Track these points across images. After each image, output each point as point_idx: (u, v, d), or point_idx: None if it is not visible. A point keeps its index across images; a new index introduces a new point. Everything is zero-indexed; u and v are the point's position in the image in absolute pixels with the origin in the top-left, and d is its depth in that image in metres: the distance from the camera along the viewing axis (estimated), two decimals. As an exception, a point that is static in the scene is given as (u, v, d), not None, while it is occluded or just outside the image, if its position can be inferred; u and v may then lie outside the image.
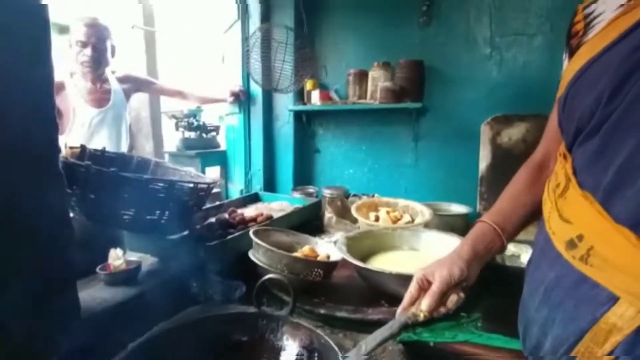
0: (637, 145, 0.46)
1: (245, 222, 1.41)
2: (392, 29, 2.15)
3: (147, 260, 1.27)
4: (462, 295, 0.74)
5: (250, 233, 1.18)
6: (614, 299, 0.47)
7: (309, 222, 1.84)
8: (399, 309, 0.73)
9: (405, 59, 2.02)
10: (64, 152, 1.27)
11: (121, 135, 1.95)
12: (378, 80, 2.02)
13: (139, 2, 2.97)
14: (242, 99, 2.24)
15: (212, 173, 2.79)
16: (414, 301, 0.72)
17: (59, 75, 1.80)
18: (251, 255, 1.16)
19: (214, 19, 2.33)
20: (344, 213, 1.84)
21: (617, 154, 0.48)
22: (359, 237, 1.36)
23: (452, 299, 0.73)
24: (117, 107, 1.92)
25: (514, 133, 1.86)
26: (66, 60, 1.97)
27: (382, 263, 1.24)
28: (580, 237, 0.52)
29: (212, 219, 1.50)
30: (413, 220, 1.66)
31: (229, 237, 1.24)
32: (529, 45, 1.99)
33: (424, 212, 1.66)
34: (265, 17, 2.12)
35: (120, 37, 3.03)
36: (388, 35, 2.16)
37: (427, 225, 1.56)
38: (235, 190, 2.50)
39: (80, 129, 1.84)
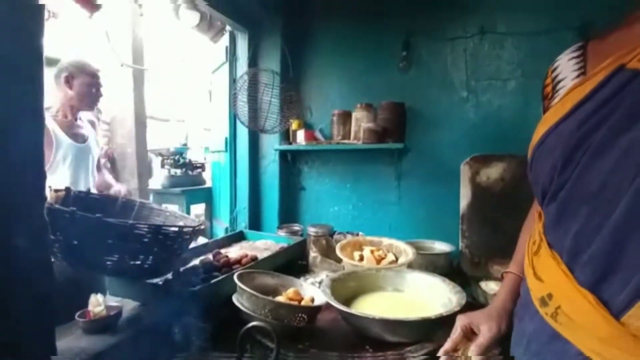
0: (588, 213, 0.51)
1: (229, 265, 1.41)
2: (375, 72, 2.29)
3: (129, 305, 1.26)
4: (498, 350, 0.74)
5: (235, 277, 1.19)
6: (583, 356, 0.50)
7: (294, 261, 1.85)
8: (441, 352, 0.75)
9: (387, 101, 2.14)
10: (48, 195, 1.28)
11: (91, 172, 1.98)
12: (361, 121, 2.12)
13: (130, 40, 3.07)
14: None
15: (198, 210, 2.80)
16: (456, 347, 0.74)
17: None
18: (235, 300, 1.17)
19: (203, 59, 2.41)
20: (329, 252, 1.86)
21: (573, 220, 0.53)
22: (343, 278, 1.38)
23: (495, 352, 0.74)
24: (92, 145, 1.97)
25: (492, 172, 1.95)
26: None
27: (367, 305, 1.26)
28: (550, 296, 0.55)
29: (197, 261, 1.50)
30: (397, 259, 1.69)
31: (213, 281, 1.25)
32: (503, 90, 2.13)
33: (407, 251, 1.70)
34: (253, 61, 2.23)
35: (109, 75, 3.10)
36: (371, 78, 2.29)
37: (410, 265, 1.59)
38: (221, 228, 2.49)
39: (62, 162, 1.85)
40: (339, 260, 1.74)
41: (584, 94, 0.55)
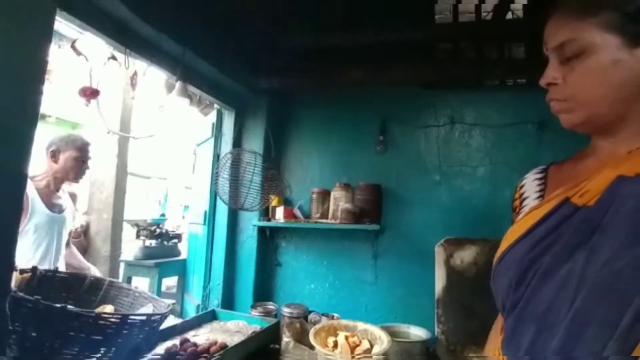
0: (535, 333, 0.55)
1: (197, 355, 1.36)
2: (353, 153, 2.44)
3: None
4: None
5: (201, 373, 1.15)
6: None
7: (266, 345, 1.79)
8: None
9: (364, 182, 2.26)
10: (13, 278, 1.25)
11: (62, 242, 1.95)
12: (339, 201, 2.21)
13: (120, 109, 3.20)
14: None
15: (170, 282, 2.72)
16: None
17: None
18: (199, 399, 1.11)
19: (190, 128, 2.53)
20: (303, 336, 1.82)
21: (524, 338, 0.57)
22: (315, 372, 1.35)
23: None
24: (68, 216, 1.98)
25: (465, 255, 2.02)
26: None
27: (338, 404, 1.21)
28: None
29: (162, 349, 1.45)
30: (372, 347, 1.66)
31: (177, 375, 1.20)
32: (473, 175, 2.29)
33: (382, 339, 1.67)
34: (237, 139, 2.35)
35: (95, 141, 3.17)
36: (349, 158, 2.44)
37: (385, 354, 1.57)
38: (192, 305, 2.42)
39: (34, 229, 1.82)
40: (313, 347, 1.70)
41: (537, 219, 0.60)
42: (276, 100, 2.49)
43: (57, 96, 3.35)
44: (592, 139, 0.65)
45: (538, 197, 0.68)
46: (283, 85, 2.30)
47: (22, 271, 1.31)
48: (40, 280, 1.39)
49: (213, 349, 1.45)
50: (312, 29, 2.11)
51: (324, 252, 2.36)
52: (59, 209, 1.95)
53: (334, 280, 2.32)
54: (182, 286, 2.55)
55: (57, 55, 1.61)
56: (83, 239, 3.02)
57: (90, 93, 1.60)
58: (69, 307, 1.06)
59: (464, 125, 2.35)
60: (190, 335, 1.72)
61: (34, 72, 0.85)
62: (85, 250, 2.96)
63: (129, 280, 2.62)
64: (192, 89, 1.93)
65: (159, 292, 2.43)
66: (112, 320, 1.12)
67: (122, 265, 2.55)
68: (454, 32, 2.29)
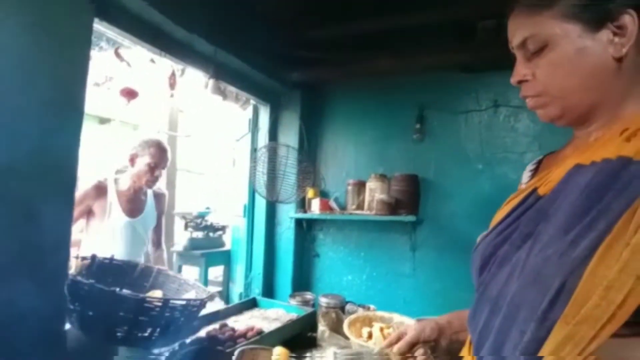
0: (488, 314, 0.59)
1: (234, 339, 1.47)
2: (389, 143, 2.42)
3: (135, 376, 1.33)
4: (428, 352, 0.84)
5: (235, 355, 1.24)
6: None
7: (303, 333, 1.87)
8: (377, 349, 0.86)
9: (400, 173, 2.23)
10: (74, 264, 1.43)
11: (144, 243, 2.09)
12: (375, 192, 2.21)
13: (168, 109, 3.45)
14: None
15: (217, 272, 2.91)
16: (391, 345, 0.88)
17: (101, 175, 2.02)
18: (234, 379, 1.20)
19: (229, 127, 2.66)
20: (338, 326, 1.87)
21: (480, 318, 0.61)
22: None
23: (420, 352, 0.84)
24: (147, 218, 2.10)
25: (509, 247, 1.94)
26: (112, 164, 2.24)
27: (367, 392, 1.25)
28: None
29: (204, 332, 1.57)
30: (407, 339, 1.67)
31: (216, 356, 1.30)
32: (520, 162, 2.17)
33: (418, 331, 1.68)
34: (273, 132, 2.44)
35: (142, 135, 3.45)
36: (385, 148, 2.42)
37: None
38: (236, 292, 2.57)
39: (108, 230, 1.96)
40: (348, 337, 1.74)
41: (510, 208, 0.64)
42: (309, 93, 2.53)
43: (119, 100, 3.67)
44: (573, 129, 0.67)
45: (527, 181, 0.72)
46: (315, 78, 2.34)
47: (82, 258, 1.49)
48: (98, 267, 1.57)
49: (250, 333, 1.55)
50: (341, 17, 2.10)
51: (361, 244, 2.39)
52: (139, 212, 2.05)
53: (371, 272, 2.34)
54: (227, 275, 2.72)
55: (114, 62, 1.74)
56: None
57: (129, 93, 1.75)
58: (118, 290, 1.19)
59: (510, 109, 2.23)
60: (232, 321, 1.84)
61: (76, 75, 0.96)
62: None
63: (180, 268, 2.83)
64: (226, 86, 2.03)
65: (206, 280, 2.61)
66: (155, 303, 1.24)
67: (174, 256, 2.77)
68: (498, 5, 2.16)
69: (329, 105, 2.59)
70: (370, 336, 1.71)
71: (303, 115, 2.46)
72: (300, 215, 2.36)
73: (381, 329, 1.73)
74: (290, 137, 2.41)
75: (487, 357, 0.56)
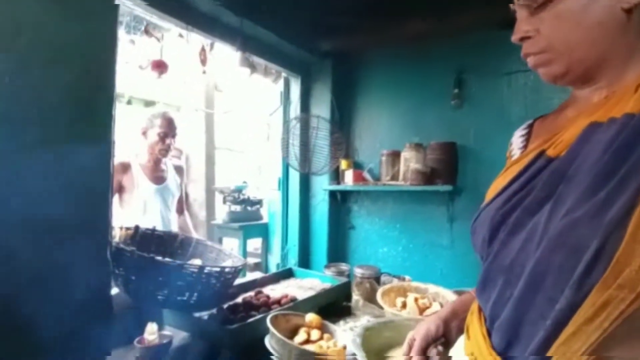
0: (502, 285, 0.57)
1: (268, 305, 1.52)
2: (425, 110, 2.31)
3: (180, 336, 1.42)
4: (441, 349, 0.81)
5: (268, 318, 1.28)
6: None
7: (338, 302, 1.90)
8: None
9: (436, 141, 2.14)
10: (118, 233, 1.53)
11: (169, 210, 2.25)
12: (410, 162, 2.14)
13: (203, 87, 3.53)
14: None
15: (256, 244, 3.01)
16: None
17: (125, 156, 2.19)
18: (267, 341, 1.25)
19: (262, 102, 2.68)
20: (372, 296, 1.87)
21: (492, 289, 0.59)
22: (378, 327, 1.38)
23: (434, 352, 0.81)
24: (170, 186, 2.26)
25: (556, 217, 1.82)
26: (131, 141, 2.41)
27: None
28: (472, 355, 0.61)
29: (240, 299, 1.64)
30: (442, 309, 1.64)
31: (250, 320, 1.36)
32: (569, 126, 2.00)
33: (454, 302, 1.64)
34: (304, 104, 2.42)
35: (186, 118, 3.58)
36: (421, 116, 2.32)
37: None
38: (274, 263, 2.65)
39: (139, 201, 2.17)
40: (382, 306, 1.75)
41: (514, 174, 0.61)
42: (341, 63, 2.46)
43: (165, 83, 3.85)
44: (573, 89, 0.64)
45: (521, 153, 0.68)
46: (346, 46, 2.26)
47: (126, 229, 1.59)
48: (141, 236, 1.68)
49: (284, 300, 1.59)
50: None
51: (396, 216, 2.35)
52: (162, 180, 2.25)
53: (407, 244, 2.31)
54: (265, 247, 2.81)
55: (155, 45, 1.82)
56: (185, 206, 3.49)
57: (159, 66, 1.79)
58: (156, 257, 1.27)
59: (560, 67, 2.04)
60: (268, 289, 1.91)
61: (106, 54, 1.00)
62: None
63: (220, 240, 2.97)
64: (255, 59, 2.02)
65: (245, 252, 2.71)
66: (191, 269, 1.31)
67: (214, 229, 2.90)
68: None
69: (361, 74, 2.51)
70: (404, 306, 1.70)
71: (335, 85, 2.41)
72: (334, 187, 2.35)
73: (416, 299, 1.72)
74: (322, 108, 2.38)
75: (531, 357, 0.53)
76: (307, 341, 1.35)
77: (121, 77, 1.10)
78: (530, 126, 0.73)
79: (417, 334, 0.83)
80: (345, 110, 2.44)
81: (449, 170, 2.10)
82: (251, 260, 3.02)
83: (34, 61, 0.90)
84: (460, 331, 0.84)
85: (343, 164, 2.37)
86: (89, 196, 1.05)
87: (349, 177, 2.30)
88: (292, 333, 1.39)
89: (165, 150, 2.19)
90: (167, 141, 2.17)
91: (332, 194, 2.44)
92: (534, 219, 0.54)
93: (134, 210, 2.14)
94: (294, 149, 2.07)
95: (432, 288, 1.81)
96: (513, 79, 2.13)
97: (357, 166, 2.44)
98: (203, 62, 1.79)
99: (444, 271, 2.17)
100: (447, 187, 2.03)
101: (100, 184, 1.08)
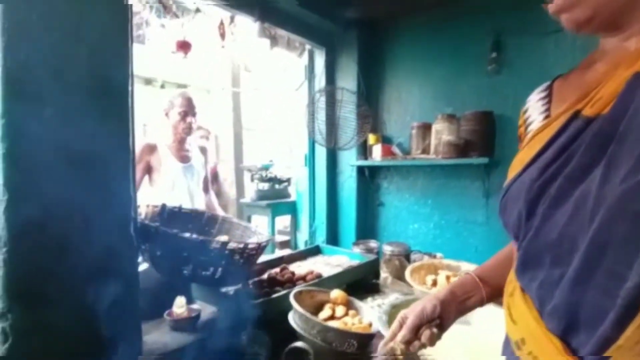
0: (550, 263, 0.51)
1: (293, 281, 1.50)
2: (458, 79, 2.16)
3: (208, 309, 1.44)
4: (435, 330, 0.78)
5: (292, 294, 1.26)
6: None
7: (366, 279, 1.86)
8: (380, 344, 0.81)
9: (471, 111, 2.00)
10: (145, 210, 1.56)
11: (197, 187, 2.29)
12: (442, 134, 2.02)
13: (229, 66, 3.52)
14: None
15: (285, 222, 3.02)
16: (394, 337, 0.79)
17: (152, 138, 2.25)
18: (290, 317, 1.24)
19: (288, 78, 2.62)
20: (401, 274, 1.82)
21: (539, 269, 0.53)
22: (405, 304, 1.34)
23: (426, 334, 0.77)
24: (195, 165, 2.31)
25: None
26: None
27: (426, 337, 1.20)
28: (522, 341, 0.55)
29: (266, 275, 1.64)
30: (476, 288, 1.57)
31: (274, 296, 1.35)
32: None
33: (488, 280, 1.56)
34: (330, 77, 2.33)
35: (214, 100, 3.62)
36: (454, 85, 2.17)
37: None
38: (302, 241, 2.65)
39: (167, 179, 2.23)
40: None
41: (545, 140, 0.55)
42: (366, 33, 2.33)
43: (194, 66, 3.91)
44: (600, 40, 0.57)
45: (544, 118, 0.61)
46: (372, 13, 2.13)
47: (153, 206, 1.61)
48: (169, 214, 1.70)
49: (309, 277, 1.57)
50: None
51: (427, 191, 2.25)
52: (187, 160, 2.31)
53: (440, 220, 2.21)
54: (294, 225, 2.80)
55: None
56: (215, 185, 3.57)
57: (183, 46, 1.78)
58: (180, 233, 1.27)
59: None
60: (295, 266, 1.91)
61: (119, 31, 0.98)
62: (217, 194, 3.50)
63: (249, 218, 3.00)
64: (277, 32, 1.96)
65: (273, 229, 2.72)
66: (215, 246, 1.30)
67: (243, 207, 2.93)
68: None
69: (388, 44, 2.38)
70: (434, 284, 1.64)
71: (360, 56, 2.30)
72: (361, 162, 2.28)
73: (447, 277, 1.65)
74: (347, 81, 2.28)
75: None
76: (332, 317, 1.33)
77: (154, 62, 1.08)
78: (549, 88, 0.66)
79: (411, 312, 0.79)
80: (373, 82, 2.33)
81: (484, 141, 1.96)
82: (280, 238, 3.04)
83: (49, 38, 0.89)
84: (458, 314, 0.81)
85: (371, 138, 2.29)
86: (108, 174, 1.05)
87: (377, 151, 2.21)
88: (317, 309, 1.37)
89: (188, 129, 2.23)
90: (188, 119, 2.21)
91: (360, 170, 2.36)
92: (581, 188, 0.48)
93: (163, 188, 2.19)
94: (319, 124, 2.01)
95: (465, 266, 1.72)
96: (560, 38, 1.92)
97: (385, 140, 2.34)
98: (222, 36, 1.75)
99: (479, 248, 2.07)
100: (483, 160, 1.90)
101: (119, 161, 1.08)
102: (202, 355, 1.28)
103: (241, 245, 1.36)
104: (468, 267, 1.69)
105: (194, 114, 2.24)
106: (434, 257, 1.94)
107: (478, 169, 2.00)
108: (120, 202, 1.08)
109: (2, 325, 0.88)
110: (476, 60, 2.09)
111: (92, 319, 1.00)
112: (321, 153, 2.39)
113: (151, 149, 2.19)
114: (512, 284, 0.62)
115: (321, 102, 2.01)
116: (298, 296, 1.30)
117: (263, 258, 2.11)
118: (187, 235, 1.26)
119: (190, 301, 1.42)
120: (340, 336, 1.12)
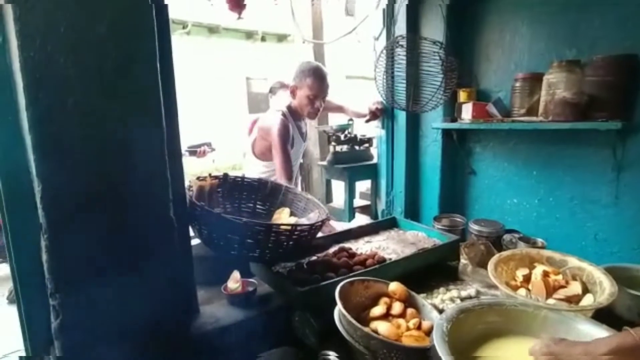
0: None
1: (349, 266, 1.37)
2: (586, 10, 1.58)
3: (263, 287, 1.43)
4: None
5: (338, 287, 1.14)
6: None
7: (443, 262, 1.64)
8: None
9: (603, 55, 1.47)
10: (204, 183, 1.56)
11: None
12: (556, 87, 1.56)
13: (310, 17, 3.30)
14: (380, 116, 2.25)
15: (366, 184, 2.84)
16: None
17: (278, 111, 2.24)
18: (335, 314, 1.12)
19: (368, 28, 2.31)
20: (487, 260, 1.53)
21: None
22: (479, 310, 1.10)
23: None
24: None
25: None
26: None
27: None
28: None
29: (323, 253, 1.54)
30: (584, 294, 1.23)
31: (323, 283, 1.25)
32: None
33: (603, 286, 1.20)
34: (412, 25, 1.96)
35: (295, 52, 3.47)
36: (579, 20, 1.60)
37: (603, 310, 1.11)
38: (380, 209, 2.47)
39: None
40: (497, 276, 1.41)
41: None
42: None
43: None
44: None
45: None
46: None
47: (213, 177, 1.61)
48: (231, 184, 1.69)
49: (369, 261, 1.42)
50: None
51: (533, 160, 1.81)
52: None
53: (547, 197, 1.78)
54: (375, 190, 2.62)
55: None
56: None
57: (236, 5, 1.64)
58: (223, 214, 1.23)
59: None
60: (364, 241, 1.77)
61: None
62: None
63: (328, 183, 2.90)
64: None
65: (352, 195, 2.58)
66: (259, 228, 1.23)
67: (322, 170, 2.84)
68: None
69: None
70: (526, 280, 1.33)
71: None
72: (446, 125, 1.93)
73: (545, 274, 1.32)
74: (432, 28, 1.89)
75: None
76: (387, 315, 1.18)
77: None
78: None
79: None
80: (465, 23, 1.89)
81: (618, 98, 1.43)
82: (361, 203, 2.89)
83: (65, 18, 0.86)
84: None
85: (462, 95, 1.91)
86: (139, 156, 1.03)
87: (467, 111, 1.83)
88: (373, 302, 1.23)
89: (315, 114, 2.19)
90: (317, 104, 2.14)
91: (447, 133, 2.02)
92: None
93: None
94: (390, 80, 1.72)
95: (574, 261, 1.36)
96: None
97: (480, 96, 1.93)
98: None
99: (600, 236, 1.62)
100: (614, 124, 1.40)
101: (152, 141, 1.05)
102: (253, 333, 1.28)
103: (288, 228, 1.27)
104: (578, 264, 1.33)
105: (323, 98, 2.15)
106: (534, 243, 1.59)
107: (606, 135, 1.50)
108: (157, 183, 1.07)
109: (53, 303, 0.96)
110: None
111: (133, 297, 1.05)
112: (401, 113, 2.09)
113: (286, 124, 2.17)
114: None
115: (397, 54, 1.71)
116: (348, 288, 1.17)
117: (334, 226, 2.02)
118: (229, 217, 1.21)
119: (248, 275, 1.42)
120: (385, 347, 0.98)
